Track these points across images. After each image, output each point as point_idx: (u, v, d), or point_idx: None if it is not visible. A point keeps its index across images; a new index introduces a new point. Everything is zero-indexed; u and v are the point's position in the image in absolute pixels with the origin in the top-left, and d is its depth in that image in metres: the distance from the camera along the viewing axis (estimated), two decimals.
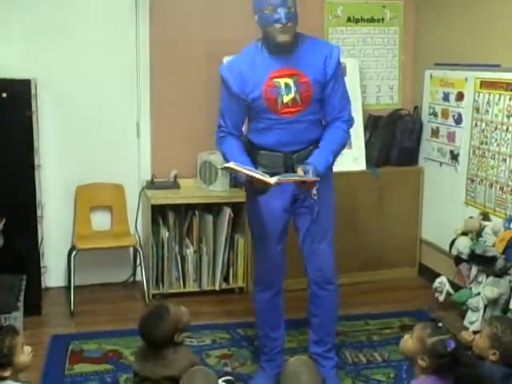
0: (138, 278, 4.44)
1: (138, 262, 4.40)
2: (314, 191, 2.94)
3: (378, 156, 4.57)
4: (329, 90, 2.93)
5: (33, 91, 3.91)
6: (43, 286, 4.19)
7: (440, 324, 2.44)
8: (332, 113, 2.97)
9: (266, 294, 3.17)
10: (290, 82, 2.86)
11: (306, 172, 2.76)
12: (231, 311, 4.12)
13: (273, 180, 2.68)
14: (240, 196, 4.26)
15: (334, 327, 3.28)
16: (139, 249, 4.29)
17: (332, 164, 2.96)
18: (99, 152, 4.39)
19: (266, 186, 2.75)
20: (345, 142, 3.01)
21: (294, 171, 2.94)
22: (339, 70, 2.97)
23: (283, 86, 2.87)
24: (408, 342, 2.46)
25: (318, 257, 3.10)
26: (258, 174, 2.71)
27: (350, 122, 3.02)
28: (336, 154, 2.96)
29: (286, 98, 2.88)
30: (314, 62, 2.89)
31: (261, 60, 2.90)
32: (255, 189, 2.86)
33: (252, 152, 3.03)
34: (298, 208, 3.07)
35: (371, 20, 4.81)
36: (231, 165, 2.72)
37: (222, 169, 2.97)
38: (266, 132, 2.97)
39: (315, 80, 2.89)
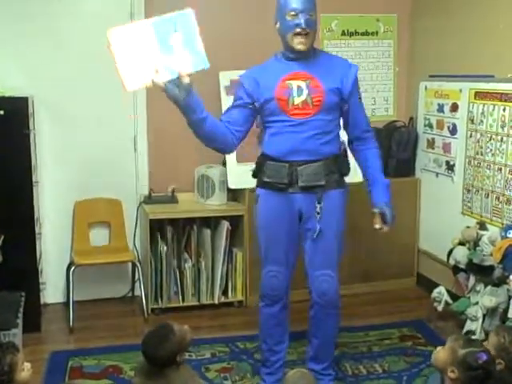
0: (137, 292, 4.43)
1: (136, 276, 4.40)
2: (318, 208, 3.00)
3: None
4: (351, 106, 3.03)
5: (30, 109, 3.93)
6: (42, 302, 4.18)
7: (474, 337, 2.39)
8: (359, 128, 3.10)
9: (273, 308, 3.17)
10: (303, 84, 2.94)
11: (383, 214, 3.05)
12: (230, 325, 4.12)
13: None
14: (238, 209, 4.32)
15: (333, 347, 3.28)
16: (137, 264, 4.29)
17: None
18: (97, 168, 4.41)
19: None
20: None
21: (297, 183, 2.98)
22: (358, 88, 3.08)
23: (295, 88, 2.94)
24: (440, 352, 2.39)
25: (324, 282, 3.09)
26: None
27: (375, 137, 3.20)
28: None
29: (297, 100, 2.93)
30: (330, 72, 2.98)
31: (277, 65, 3.01)
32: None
33: (261, 165, 3.07)
34: (303, 229, 3.07)
35: (365, 33, 4.86)
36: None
37: None
38: (277, 138, 3.00)
39: (328, 88, 2.95)
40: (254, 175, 3.16)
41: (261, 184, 3.10)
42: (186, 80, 2.64)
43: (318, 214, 3.00)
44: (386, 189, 3.10)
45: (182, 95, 2.67)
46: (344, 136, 3.18)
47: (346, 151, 3.15)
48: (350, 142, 3.19)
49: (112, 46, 2.57)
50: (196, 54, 2.61)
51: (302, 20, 2.86)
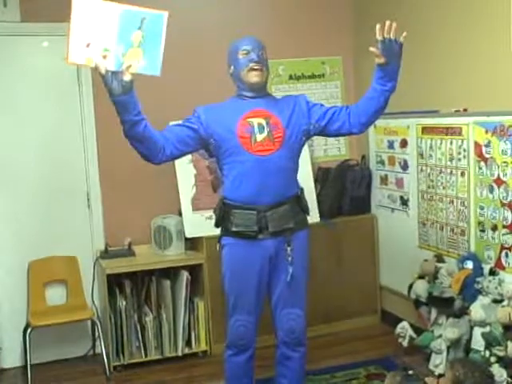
0: (98, 350, 4.31)
1: (96, 334, 4.29)
2: (289, 251, 2.96)
3: (330, 207, 4.61)
4: (321, 113, 3.06)
5: None
6: None
7: (411, 372, 2.42)
8: (347, 114, 3.05)
9: (240, 357, 3.11)
10: (263, 122, 2.97)
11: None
12: (195, 376, 4.04)
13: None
14: (197, 258, 4.27)
15: None
16: (97, 321, 4.19)
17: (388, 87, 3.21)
18: (50, 226, 4.33)
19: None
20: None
21: (267, 229, 2.95)
22: (314, 103, 3.13)
23: (256, 126, 2.96)
24: None
25: (291, 320, 3.09)
26: None
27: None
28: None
29: (260, 137, 2.95)
30: (285, 109, 3.03)
31: (235, 104, 3.04)
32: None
33: (226, 213, 3.00)
34: (275, 273, 3.04)
35: (312, 76, 4.95)
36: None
37: None
38: (240, 181, 2.95)
39: (287, 123, 2.99)
40: (217, 225, 3.09)
41: (227, 233, 3.04)
42: (127, 78, 2.55)
43: (289, 256, 2.99)
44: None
45: (118, 90, 2.57)
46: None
47: (302, 190, 3.15)
48: (352, 118, 3.07)
49: (72, 11, 2.41)
50: (151, 58, 2.54)
51: (254, 56, 2.97)
